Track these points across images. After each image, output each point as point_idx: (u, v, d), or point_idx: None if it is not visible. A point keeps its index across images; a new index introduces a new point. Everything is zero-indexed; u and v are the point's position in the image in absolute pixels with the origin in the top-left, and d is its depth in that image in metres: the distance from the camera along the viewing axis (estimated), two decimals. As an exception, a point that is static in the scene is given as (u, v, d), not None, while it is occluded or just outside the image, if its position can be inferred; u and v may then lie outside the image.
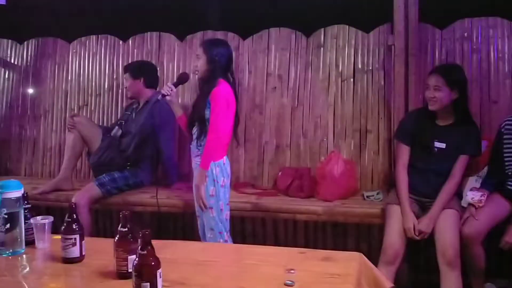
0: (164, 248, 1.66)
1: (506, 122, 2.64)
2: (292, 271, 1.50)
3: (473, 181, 2.74)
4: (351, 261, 1.60)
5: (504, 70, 3.06)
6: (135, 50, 3.78)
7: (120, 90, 3.80)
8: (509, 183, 2.61)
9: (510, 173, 2.61)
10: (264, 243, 3.40)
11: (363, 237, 3.22)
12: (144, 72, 3.40)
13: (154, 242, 1.38)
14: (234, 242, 2.76)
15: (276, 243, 3.37)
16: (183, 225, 3.46)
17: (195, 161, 2.69)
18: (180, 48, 3.69)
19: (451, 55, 3.15)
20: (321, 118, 3.39)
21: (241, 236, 3.39)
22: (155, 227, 3.49)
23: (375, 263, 2.51)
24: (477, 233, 2.47)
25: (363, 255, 1.67)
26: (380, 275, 1.68)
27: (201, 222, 2.72)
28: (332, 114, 3.37)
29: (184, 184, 3.20)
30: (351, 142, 3.32)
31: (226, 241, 2.64)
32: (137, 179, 3.26)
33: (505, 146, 2.63)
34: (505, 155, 2.63)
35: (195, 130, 2.68)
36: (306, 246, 3.30)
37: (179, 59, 3.68)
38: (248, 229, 3.44)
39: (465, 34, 3.16)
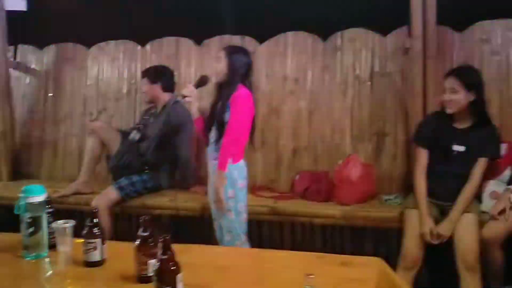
0: (184, 252, 1.67)
1: None
2: (311, 276, 1.50)
3: (493, 185, 2.71)
4: (370, 267, 1.60)
5: (525, 74, 3.02)
6: (153, 55, 3.83)
7: (138, 95, 3.85)
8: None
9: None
10: (281, 247, 3.39)
11: (381, 241, 3.20)
12: (161, 76, 3.43)
13: (174, 246, 1.39)
14: (252, 246, 2.77)
15: (294, 247, 3.36)
16: (201, 229, 3.47)
17: (213, 165, 2.68)
18: (197, 52, 3.72)
19: (469, 57, 3.12)
20: (338, 121, 3.38)
21: (258, 240, 3.39)
22: (173, 231, 3.52)
23: (394, 268, 2.52)
24: (496, 237, 2.44)
25: (383, 261, 1.66)
26: (400, 280, 1.68)
27: (218, 225, 2.72)
28: (350, 118, 3.36)
29: (201, 187, 3.21)
30: (368, 145, 3.31)
31: (244, 243, 2.64)
32: (155, 182, 3.29)
33: None
34: None
35: (212, 134, 2.69)
36: (324, 250, 3.28)
37: (197, 63, 3.71)
38: (265, 232, 3.44)
39: (484, 36, 3.12)
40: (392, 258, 2.56)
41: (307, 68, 3.48)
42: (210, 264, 1.62)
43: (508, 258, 2.51)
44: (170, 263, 1.35)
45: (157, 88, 3.41)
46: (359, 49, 3.37)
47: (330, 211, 2.90)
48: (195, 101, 2.82)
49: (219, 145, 2.62)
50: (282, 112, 3.49)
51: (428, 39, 2.95)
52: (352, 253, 2.87)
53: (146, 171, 3.28)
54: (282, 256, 1.68)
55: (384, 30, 3.33)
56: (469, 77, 2.57)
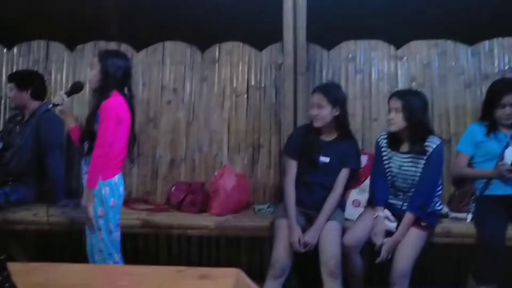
0: (34, 272, 1.57)
1: (381, 136, 2.82)
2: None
3: (354, 194, 2.91)
4: (227, 278, 1.61)
5: (384, 90, 3.29)
6: (21, 59, 3.57)
7: (3, 101, 3.56)
8: (389, 196, 2.78)
9: (389, 187, 2.78)
10: (157, 260, 3.34)
11: (256, 250, 3.28)
12: (32, 83, 3.22)
13: (24, 266, 1.30)
14: (126, 260, 2.66)
15: (170, 260, 3.33)
16: (71, 245, 3.29)
17: (85, 179, 2.51)
18: (70, 58, 3.54)
19: (337, 74, 3.34)
20: (216, 132, 3.42)
21: (133, 254, 3.31)
22: (40, 247, 3.30)
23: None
24: (356, 243, 2.61)
25: (241, 271, 1.69)
26: (257, 289, 1.71)
27: (89, 243, 2.55)
28: (227, 129, 3.41)
29: (71, 201, 3.05)
30: (244, 156, 3.38)
31: (116, 263, 2.50)
32: (19, 195, 3.06)
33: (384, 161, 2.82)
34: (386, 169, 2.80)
35: (86, 145, 2.55)
36: (200, 261, 3.30)
37: (69, 69, 3.53)
38: (140, 246, 3.37)
39: (350, 55, 3.36)
40: (266, 266, 2.64)
41: (185, 78, 3.47)
42: (60, 283, 1.52)
43: (367, 264, 2.70)
44: (6, 285, 1.25)
45: (25, 96, 3.19)
46: (236, 63, 3.44)
47: (204, 222, 2.90)
48: (67, 109, 2.67)
49: (90, 158, 2.46)
50: (159, 122, 3.45)
51: (298, 56, 3.09)
52: (228, 263, 2.90)
53: (10, 182, 3.06)
54: (139, 272, 1.64)
55: (260, 45, 3.44)
56: (333, 93, 2.73)
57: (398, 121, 2.62)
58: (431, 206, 2.68)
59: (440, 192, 2.72)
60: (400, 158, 2.68)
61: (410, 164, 2.65)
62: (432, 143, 2.61)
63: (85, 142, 2.55)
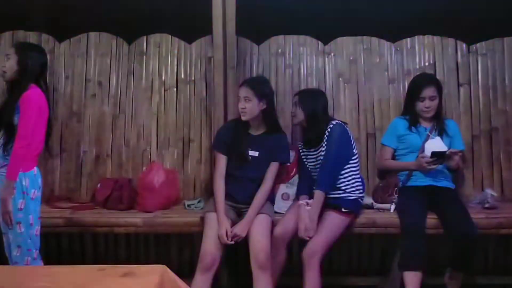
0: None
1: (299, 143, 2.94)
2: (85, 291, 1.42)
3: (284, 187, 2.94)
4: (152, 275, 1.57)
5: (313, 85, 3.33)
6: None
7: None
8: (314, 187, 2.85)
9: (314, 178, 2.84)
10: (83, 260, 3.21)
11: (186, 246, 3.24)
12: None
13: None
14: (48, 261, 2.55)
15: (97, 259, 3.21)
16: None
17: (1, 172, 2.44)
18: (-17, 48, 3.30)
19: (266, 69, 3.34)
20: (144, 127, 3.32)
21: (56, 254, 3.16)
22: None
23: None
24: (286, 234, 2.66)
25: (166, 268, 1.65)
26: (183, 285, 1.68)
27: (6, 239, 2.46)
28: (156, 123, 3.33)
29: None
30: (174, 151, 3.31)
31: (35, 259, 2.43)
32: None
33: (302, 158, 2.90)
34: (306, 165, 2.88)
35: (1, 137, 2.45)
36: (128, 260, 3.20)
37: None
38: (64, 246, 3.22)
39: (279, 50, 3.38)
40: (196, 261, 2.61)
41: (111, 71, 3.35)
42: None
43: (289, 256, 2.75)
44: None
45: None
46: (165, 55, 3.36)
47: (132, 219, 2.82)
48: None
49: (9, 150, 2.42)
50: (84, 116, 3.30)
51: (228, 50, 3.06)
52: (158, 260, 2.84)
53: None
54: (59, 272, 1.56)
55: (189, 38, 3.38)
56: (260, 87, 2.75)
57: (298, 115, 2.82)
58: (351, 190, 2.74)
59: (356, 172, 2.79)
60: (313, 153, 2.81)
61: (321, 153, 2.74)
62: (330, 126, 2.73)
63: (0, 134, 2.47)
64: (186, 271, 3.05)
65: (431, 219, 2.72)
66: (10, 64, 2.49)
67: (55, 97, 3.26)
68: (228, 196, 2.74)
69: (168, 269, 1.67)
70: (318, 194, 2.66)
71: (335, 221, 2.67)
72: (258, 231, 2.62)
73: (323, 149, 2.73)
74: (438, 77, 3.19)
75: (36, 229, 2.46)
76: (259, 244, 2.57)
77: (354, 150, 2.79)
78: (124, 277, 1.56)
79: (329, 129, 2.72)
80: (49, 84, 2.80)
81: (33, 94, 2.44)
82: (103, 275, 1.58)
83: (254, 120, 2.76)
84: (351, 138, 2.80)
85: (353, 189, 2.75)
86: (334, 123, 2.75)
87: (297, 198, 2.84)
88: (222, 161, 2.78)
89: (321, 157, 2.74)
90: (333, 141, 2.71)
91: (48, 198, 3.07)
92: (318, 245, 2.59)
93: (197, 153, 3.31)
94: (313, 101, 2.83)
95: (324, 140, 2.73)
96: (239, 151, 2.77)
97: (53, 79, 3.26)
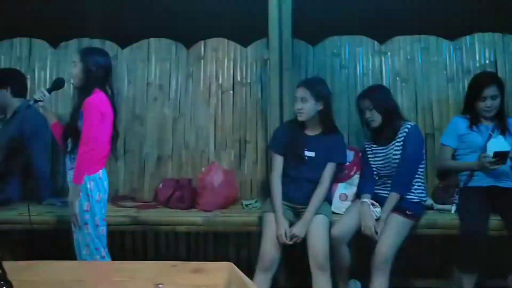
0: (27, 270, 1.57)
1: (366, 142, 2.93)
2: (160, 285, 1.49)
3: (342, 187, 2.94)
4: (220, 271, 1.63)
5: (369, 85, 3.31)
6: (2, 57, 3.51)
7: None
8: (376, 187, 2.84)
9: (376, 178, 2.84)
10: (145, 257, 3.34)
11: (244, 245, 3.30)
12: (11, 80, 3.18)
13: (16, 264, 1.29)
14: (114, 258, 2.67)
15: (158, 256, 3.33)
16: (58, 243, 3.26)
17: (70, 175, 2.57)
18: (53, 55, 3.50)
19: (322, 70, 3.36)
20: (202, 129, 3.42)
21: (121, 251, 3.30)
22: (27, 247, 3.26)
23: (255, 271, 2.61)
24: (344, 235, 2.66)
25: (233, 265, 1.71)
26: (250, 283, 1.73)
27: (76, 239, 2.58)
28: (213, 125, 3.42)
29: (57, 199, 3.03)
30: (231, 152, 3.39)
31: (103, 257, 2.54)
32: (4, 195, 3.02)
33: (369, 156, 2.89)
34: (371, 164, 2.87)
35: (69, 142, 2.57)
36: (188, 257, 3.31)
37: (52, 67, 3.49)
38: (128, 243, 3.36)
39: (335, 50, 3.39)
40: (254, 260, 2.67)
41: (171, 75, 3.47)
42: (55, 280, 1.52)
43: (353, 256, 2.74)
44: (1, 283, 1.25)
45: (5, 94, 3.15)
46: (221, 59, 3.45)
47: (192, 218, 2.91)
48: (49, 105, 2.68)
49: (75, 155, 2.52)
50: (146, 119, 3.43)
51: (284, 52, 3.10)
52: (216, 258, 2.92)
53: (-6, 182, 3.02)
54: (133, 267, 1.64)
55: (245, 41, 3.45)
56: (317, 87, 2.76)
57: (376, 118, 2.77)
58: (416, 193, 2.73)
59: (421, 175, 2.78)
60: (382, 151, 2.78)
61: (391, 152, 2.73)
62: (406, 127, 2.72)
63: (69, 139, 2.57)
64: (243, 270, 3.10)
65: (494, 221, 2.66)
66: (76, 71, 2.56)
67: (119, 101, 3.40)
68: (285, 196, 2.77)
69: (234, 266, 1.73)
70: (393, 196, 2.67)
71: (401, 224, 2.65)
72: (316, 232, 2.64)
73: (395, 148, 2.73)
74: (499, 75, 3.10)
75: (102, 229, 2.56)
76: (318, 245, 2.59)
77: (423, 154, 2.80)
78: (194, 273, 1.63)
79: (406, 130, 2.73)
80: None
81: (94, 99, 2.49)
82: (176, 271, 1.65)
83: (310, 121, 2.78)
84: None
85: (417, 191, 2.74)
86: (412, 124, 2.76)
87: (358, 196, 2.84)
88: (278, 161, 2.82)
89: (391, 156, 2.74)
90: (411, 144, 2.71)
91: (113, 198, 3.20)
92: (391, 249, 2.57)
93: (253, 154, 3.37)
94: (385, 99, 2.81)
95: (398, 140, 2.73)
96: (295, 152, 2.80)
97: (116, 84, 3.40)
